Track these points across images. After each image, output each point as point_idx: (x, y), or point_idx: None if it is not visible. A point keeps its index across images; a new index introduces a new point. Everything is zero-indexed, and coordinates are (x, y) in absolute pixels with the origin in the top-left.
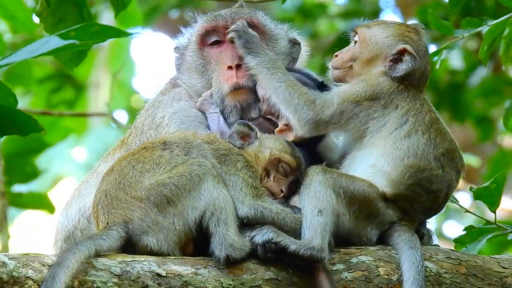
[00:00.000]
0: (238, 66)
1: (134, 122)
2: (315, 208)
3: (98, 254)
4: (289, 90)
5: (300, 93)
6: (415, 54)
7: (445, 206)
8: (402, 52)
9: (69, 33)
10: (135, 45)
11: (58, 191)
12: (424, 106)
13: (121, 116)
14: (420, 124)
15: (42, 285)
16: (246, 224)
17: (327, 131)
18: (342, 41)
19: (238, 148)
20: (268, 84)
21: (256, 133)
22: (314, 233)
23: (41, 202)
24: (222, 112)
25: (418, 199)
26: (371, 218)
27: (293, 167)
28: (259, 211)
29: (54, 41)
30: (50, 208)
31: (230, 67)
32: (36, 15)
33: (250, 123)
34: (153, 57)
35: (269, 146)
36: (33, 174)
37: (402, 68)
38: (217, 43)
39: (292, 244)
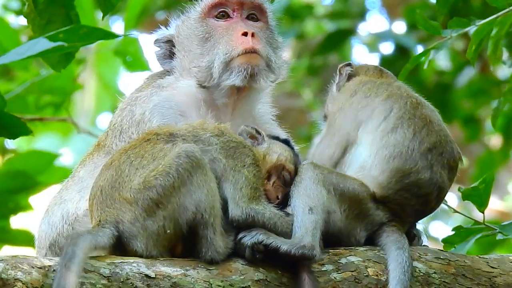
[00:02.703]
0: (253, 35)
1: (109, 123)
2: (306, 206)
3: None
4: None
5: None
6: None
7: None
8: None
9: (57, 35)
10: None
11: (44, 196)
12: (401, 90)
13: (107, 118)
14: (404, 112)
15: (61, 259)
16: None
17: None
18: (330, 42)
19: None
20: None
21: (263, 136)
22: (304, 231)
23: (28, 239)
24: (220, 77)
25: (408, 203)
26: (361, 218)
27: (294, 178)
28: (250, 216)
29: (43, 43)
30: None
31: (245, 33)
32: (24, 16)
33: (256, 127)
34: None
35: (277, 151)
36: (15, 210)
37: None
38: (224, 17)
39: (283, 245)
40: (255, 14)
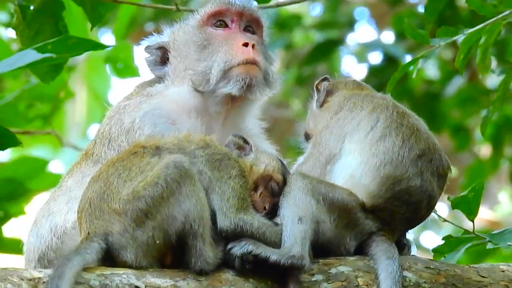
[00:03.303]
0: (253, 46)
1: (97, 132)
2: (295, 216)
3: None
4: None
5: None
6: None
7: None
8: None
9: (46, 46)
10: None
11: (35, 206)
12: (386, 100)
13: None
14: (391, 121)
15: None
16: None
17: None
18: (318, 52)
19: None
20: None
21: (251, 146)
22: (294, 241)
23: (20, 247)
24: (217, 83)
25: (398, 211)
26: (350, 228)
27: (282, 188)
28: (239, 226)
29: (31, 55)
30: None
31: (246, 44)
32: (12, 28)
33: (244, 136)
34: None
35: (264, 161)
36: (5, 217)
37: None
38: (221, 26)
39: (272, 255)
40: (252, 27)
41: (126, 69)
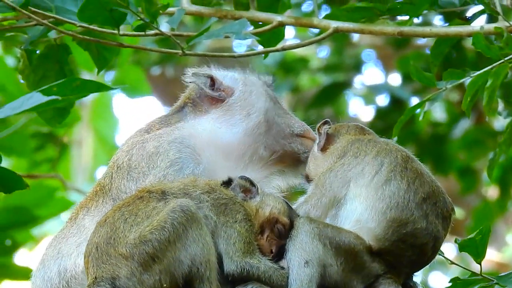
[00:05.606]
0: None
1: (110, 167)
2: (302, 260)
3: None
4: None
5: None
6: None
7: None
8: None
9: (51, 89)
10: (118, 101)
11: (42, 248)
12: (389, 145)
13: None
14: (395, 165)
15: None
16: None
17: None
18: (324, 95)
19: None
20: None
21: (258, 189)
22: (300, 284)
23: (28, 275)
24: (289, 137)
25: (404, 253)
26: (357, 271)
27: (288, 230)
28: (245, 270)
29: (37, 97)
30: None
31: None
32: (19, 72)
33: (251, 179)
34: (136, 113)
35: (270, 204)
36: (12, 247)
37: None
38: None
39: None
40: None
41: (137, 88)
